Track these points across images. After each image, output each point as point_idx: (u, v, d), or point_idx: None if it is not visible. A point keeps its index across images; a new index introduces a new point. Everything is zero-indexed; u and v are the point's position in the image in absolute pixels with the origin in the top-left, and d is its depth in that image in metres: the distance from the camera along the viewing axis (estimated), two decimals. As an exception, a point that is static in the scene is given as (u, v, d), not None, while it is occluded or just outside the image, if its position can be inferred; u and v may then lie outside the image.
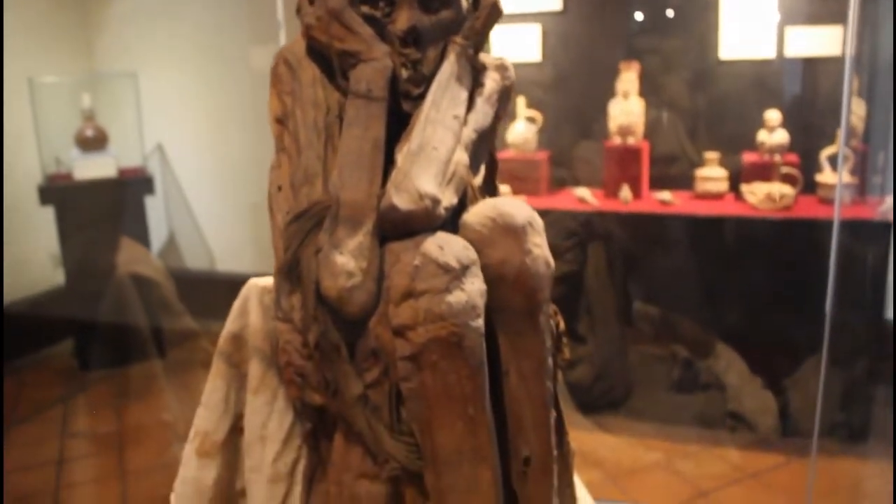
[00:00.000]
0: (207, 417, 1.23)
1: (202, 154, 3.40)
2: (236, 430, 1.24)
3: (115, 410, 3.11)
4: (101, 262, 3.07)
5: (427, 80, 1.05)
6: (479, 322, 0.91)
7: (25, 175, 3.18)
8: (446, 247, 0.92)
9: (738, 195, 2.78)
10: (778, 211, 2.67)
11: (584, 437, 1.76)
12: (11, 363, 3.30)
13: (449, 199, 0.97)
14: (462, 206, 1.03)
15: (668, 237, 2.44)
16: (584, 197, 2.79)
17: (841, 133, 2.20)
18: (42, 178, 3.17)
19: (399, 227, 0.94)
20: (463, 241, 0.95)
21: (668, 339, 2.04)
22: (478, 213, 0.99)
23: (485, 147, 1.15)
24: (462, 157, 1.02)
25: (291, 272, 1.00)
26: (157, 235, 3.46)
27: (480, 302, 0.92)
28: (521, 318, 0.98)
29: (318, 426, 1.07)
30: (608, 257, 2.16)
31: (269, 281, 1.16)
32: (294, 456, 1.19)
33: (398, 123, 1.04)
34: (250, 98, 3.16)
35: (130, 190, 3.16)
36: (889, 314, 2.50)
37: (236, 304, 1.22)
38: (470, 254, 0.94)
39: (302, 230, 0.99)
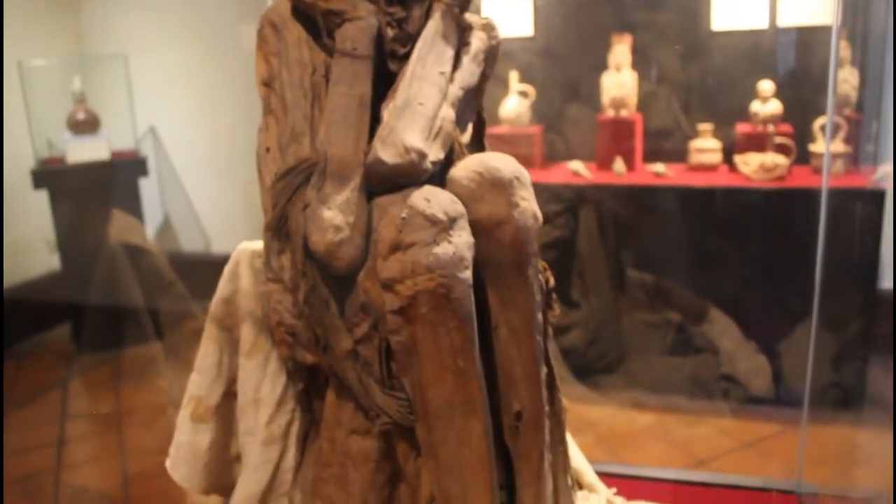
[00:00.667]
0: (200, 382, 1.23)
1: (195, 135, 3.40)
2: (230, 394, 1.24)
3: (115, 392, 3.12)
4: (97, 244, 3.07)
5: (412, 40, 1.05)
6: (467, 274, 0.91)
7: (18, 159, 3.17)
8: (433, 199, 0.92)
9: (732, 166, 2.78)
10: (772, 181, 2.67)
11: (578, 401, 1.77)
12: (9, 349, 3.31)
13: (435, 153, 0.97)
14: (449, 162, 1.03)
15: (661, 208, 2.44)
16: (578, 170, 2.79)
17: (829, 102, 2.20)
18: (35, 163, 3.17)
19: (385, 181, 0.94)
20: (450, 194, 0.95)
21: (662, 305, 2.04)
22: (465, 167, 0.99)
23: (472, 106, 1.15)
24: (448, 112, 1.01)
25: (279, 229, 1.00)
26: (153, 218, 3.46)
27: (468, 254, 0.92)
28: (510, 272, 0.98)
29: (310, 386, 1.08)
30: (599, 222, 2.16)
31: (259, 245, 1.16)
32: (288, 418, 1.20)
33: (385, 83, 1.04)
34: (242, 77, 3.15)
35: (124, 172, 3.15)
36: (882, 282, 2.51)
37: (227, 269, 1.23)
38: (457, 207, 0.94)
39: (289, 187, 0.99)
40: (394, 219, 0.91)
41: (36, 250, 3.37)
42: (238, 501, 1.21)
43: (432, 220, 0.90)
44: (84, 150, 3.13)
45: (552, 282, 1.09)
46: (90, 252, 3.12)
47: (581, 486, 1.36)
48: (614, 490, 1.37)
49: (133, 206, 3.19)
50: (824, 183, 2.08)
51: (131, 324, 3.20)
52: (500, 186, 0.97)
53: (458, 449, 0.93)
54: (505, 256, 0.98)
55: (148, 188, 3.33)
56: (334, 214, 0.94)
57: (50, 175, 3.11)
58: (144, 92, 3.35)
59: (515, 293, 0.99)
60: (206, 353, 1.23)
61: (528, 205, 0.99)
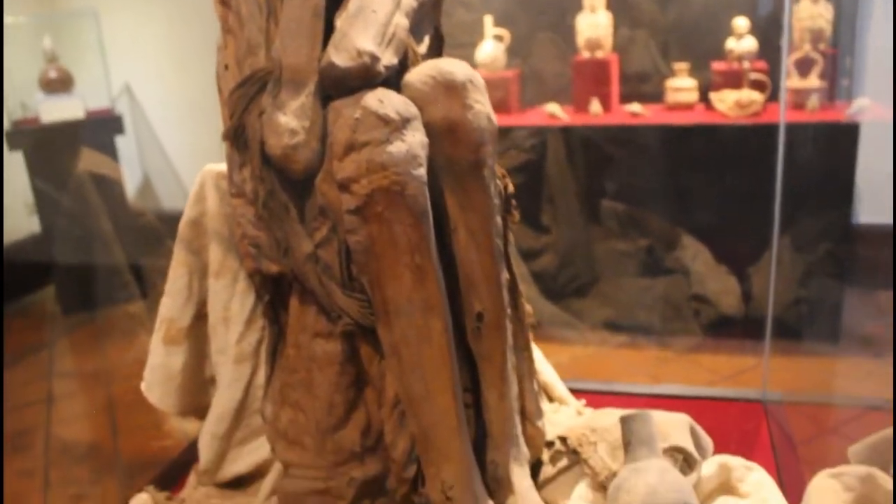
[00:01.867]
0: (171, 305, 1.25)
1: (171, 92, 3.36)
2: (201, 316, 1.26)
3: (101, 350, 3.14)
4: (75, 204, 3.05)
5: None
6: (421, 172, 0.93)
7: (-11, 121, 3.13)
8: (386, 100, 0.93)
9: (709, 105, 2.78)
10: (747, 117, 2.68)
11: (549, 322, 1.80)
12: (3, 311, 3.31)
13: (388, 58, 0.97)
14: (405, 69, 1.03)
15: (636, 145, 2.45)
16: (555, 112, 2.79)
17: (784, 40, 2.20)
18: (8, 124, 3.13)
19: (339, 85, 0.95)
20: (403, 97, 0.96)
21: (635, 234, 2.07)
22: (419, 72, 1.00)
23: (430, 20, 1.15)
24: (402, 20, 1.02)
25: (238, 137, 1.00)
26: (132, 178, 3.44)
27: (422, 153, 0.93)
28: (467, 174, 0.99)
29: (276, 298, 1.09)
30: (568, 147, 2.17)
31: (224, 167, 1.17)
32: (257, 336, 1.22)
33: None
34: (216, 32, 3.11)
35: (100, 131, 3.12)
36: (859, 217, 2.54)
37: (193, 191, 1.24)
38: (410, 108, 0.95)
39: (246, 96, 1.00)
40: (348, 120, 0.92)
41: (15, 213, 3.35)
42: (212, 419, 1.24)
43: (385, 120, 0.91)
44: (58, 110, 3.09)
45: (511, 188, 1.11)
46: (69, 213, 3.10)
47: (551, 399, 1.39)
48: (583, 402, 1.41)
49: (118, 194, 3.16)
50: (781, 116, 2.10)
51: (115, 283, 3.20)
52: (453, 89, 0.98)
53: (419, 347, 0.95)
54: (461, 158, 0.99)
55: (125, 148, 3.31)
56: (290, 119, 0.95)
57: (24, 135, 3.08)
58: (117, 50, 3.30)
59: (472, 195, 1.00)
60: (176, 276, 1.25)
61: (482, 107, 1.00)
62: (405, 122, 0.93)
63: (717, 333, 1.90)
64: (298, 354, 1.03)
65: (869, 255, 2.33)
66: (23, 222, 3.38)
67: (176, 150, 3.42)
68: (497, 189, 1.05)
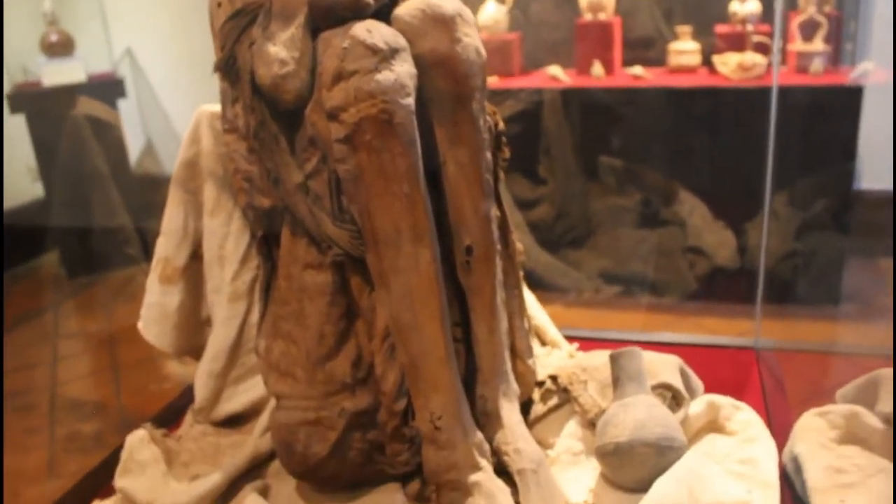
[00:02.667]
0: (167, 244, 1.27)
1: (172, 57, 3.36)
2: (196, 257, 1.28)
3: (106, 312, 3.17)
4: (72, 146, 3.04)
5: None
6: (409, 101, 0.93)
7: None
8: (374, 30, 0.93)
9: (712, 68, 2.76)
10: (750, 80, 2.66)
11: (544, 271, 1.81)
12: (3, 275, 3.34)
13: None
14: (395, 4, 1.04)
15: (638, 107, 2.44)
16: (557, 75, 2.77)
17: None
18: (10, 88, 3.14)
19: (328, 16, 0.95)
20: (392, 28, 0.96)
21: (633, 189, 2.06)
22: (408, 6, 1.00)
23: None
24: (391, -46, 1.01)
25: (229, 69, 1.01)
26: (135, 143, 3.45)
27: (410, 83, 0.94)
28: (455, 107, 1.00)
29: (269, 234, 1.10)
30: (565, 100, 2.17)
31: (218, 108, 1.17)
32: (252, 275, 1.23)
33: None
34: (217, -5, 3.09)
35: (102, 94, 3.12)
36: (861, 182, 2.53)
37: (188, 132, 1.25)
38: (399, 39, 0.95)
39: (237, 27, 1.00)
40: (336, 49, 0.92)
41: (19, 177, 3.37)
42: (207, 357, 1.26)
43: (373, 49, 0.92)
44: (59, 73, 3.10)
45: (501, 125, 1.11)
46: (73, 177, 3.11)
47: (544, 343, 1.40)
48: (576, 346, 1.42)
49: (115, 138, 3.17)
50: (774, 76, 2.10)
51: (119, 247, 3.22)
52: (442, 22, 0.99)
53: (407, 276, 0.96)
54: (449, 91, 0.99)
55: (127, 111, 3.31)
56: (279, 49, 0.95)
57: (26, 99, 3.09)
58: (118, 14, 3.30)
59: (461, 128, 1.01)
60: (172, 215, 1.26)
61: (471, 40, 1.00)
62: (393, 52, 0.93)
63: (711, 285, 1.91)
64: (290, 286, 1.05)
65: (872, 221, 2.33)
66: (26, 187, 3.39)
67: (178, 114, 3.42)
68: (487, 125, 1.06)
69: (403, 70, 0.93)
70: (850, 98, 2.61)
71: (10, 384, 2.76)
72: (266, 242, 1.10)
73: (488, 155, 1.05)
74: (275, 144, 0.99)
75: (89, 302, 3.23)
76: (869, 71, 2.65)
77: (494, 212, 1.08)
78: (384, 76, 0.91)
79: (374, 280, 0.99)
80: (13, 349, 2.99)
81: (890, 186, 2.49)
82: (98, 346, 2.94)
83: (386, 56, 0.92)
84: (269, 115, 0.98)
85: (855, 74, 2.70)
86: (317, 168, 0.98)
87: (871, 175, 2.60)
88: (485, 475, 0.99)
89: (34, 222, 3.37)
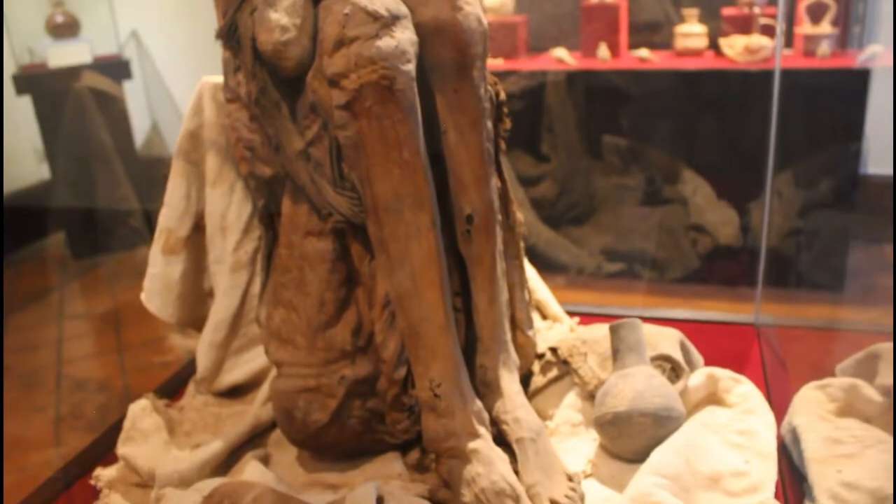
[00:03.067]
0: (170, 215, 1.27)
1: (178, 39, 3.36)
2: (199, 228, 1.28)
3: (111, 293, 3.19)
4: (85, 150, 3.07)
5: None
6: (410, 67, 0.93)
7: (-2, 69, 3.14)
8: (376, -3, 0.93)
9: (718, 51, 2.75)
10: (756, 63, 2.64)
11: (547, 247, 1.81)
12: (4, 258, 3.36)
13: None
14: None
15: (644, 89, 2.44)
16: (562, 57, 2.76)
17: None
18: (16, 69, 3.15)
19: (330, -18, 0.95)
20: (394, -4, 0.96)
21: (637, 169, 2.06)
22: (410, -27, 1.00)
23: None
24: (395, -79, 1.01)
25: (230, 37, 1.01)
26: (141, 125, 3.45)
27: (411, 49, 0.94)
28: (456, 74, 1.00)
29: (270, 203, 1.11)
30: (569, 79, 2.16)
31: (221, 79, 1.18)
32: (254, 245, 1.24)
33: None
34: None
35: (108, 75, 3.13)
36: (867, 167, 2.52)
37: (191, 103, 1.25)
38: (400, 7, 0.95)
39: (238, -5, 1.00)
40: (337, 16, 0.92)
41: (25, 158, 3.38)
42: (210, 327, 1.27)
43: (374, 16, 0.92)
44: (65, 55, 3.10)
45: (503, 95, 1.11)
46: (79, 158, 3.12)
47: (545, 317, 1.41)
48: (577, 320, 1.42)
49: (119, 111, 3.18)
50: (777, 58, 2.09)
51: (123, 220, 3.23)
52: (444, -10, 0.98)
53: (407, 243, 0.96)
54: (450, 59, 0.99)
55: (133, 93, 3.31)
56: (281, 16, 0.95)
57: (32, 80, 3.10)
58: (124, -4, 3.30)
59: (462, 96, 1.01)
60: (175, 186, 1.27)
61: (472, 9, 1.00)
62: (394, 19, 0.93)
63: (714, 263, 1.91)
64: (290, 254, 1.05)
65: (879, 205, 2.32)
66: (32, 168, 3.41)
67: (184, 95, 3.42)
68: (488, 94, 1.06)
69: (404, 37, 0.93)
70: (858, 81, 2.59)
71: (18, 364, 2.78)
72: (268, 212, 1.10)
73: (489, 124, 1.05)
74: (276, 111, 0.99)
75: (95, 283, 3.25)
76: (877, 54, 2.63)
77: (495, 182, 1.08)
78: (385, 42, 0.91)
79: (375, 247, 0.99)
80: (20, 330, 3.01)
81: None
82: (103, 327, 2.96)
83: (387, 23, 0.92)
84: (270, 82, 0.98)
85: (863, 58, 2.68)
86: (318, 135, 0.99)
87: (878, 159, 2.58)
88: (483, 443, 1.00)
89: (40, 204, 3.38)
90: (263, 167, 1.06)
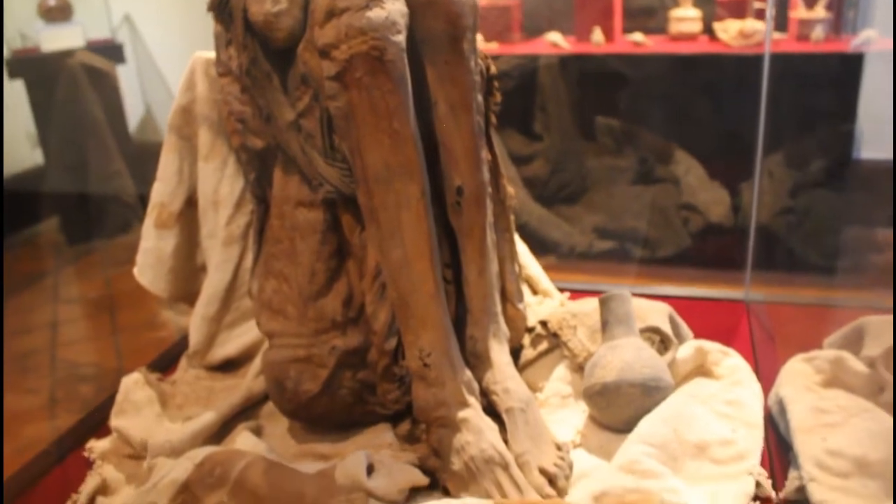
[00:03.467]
0: (163, 190, 1.28)
1: (172, 23, 3.35)
2: (192, 203, 1.29)
3: (105, 278, 3.18)
4: (78, 134, 3.07)
5: None
6: (400, 38, 0.94)
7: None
8: (366, -33, 0.93)
9: (713, 36, 2.75)
10: (750, 47, 2.65)
11: (539, 224, 1.82)
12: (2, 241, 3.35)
13: None
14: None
15: (638, 73, 2.44)
16: (556, 41, 2.76)
17: None
18: (8, 53, 3.14)
19: (320, -48, 0.95)
20: (384, -34, 0.96)
21: (630, 150, 2.07)
22: (401, -56, 1.00)
23: None
24: None
25: (222, 9, 1.01)
26: (134, 111, 3.44)
27: (401, 20, 0.94)
28: (446, 47, 1.00)
29: (262, 175, 1.11)
30: (562, 61, 2.17)
31: (213, 54, 1.18)
32: (246, 220, 1.24)
33: None
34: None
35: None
36: (860, 152, 2.53)
37: (184, 78, 1.25)
38: (391, -23, 0.95)
39: (229, -34, 1.00)
40: (328, -14, 0.93)
41: (18, 144, 3.37)
42: (202, 301, 1.27)
43: (365, -14, 0.92)
44: (58, 39, 3.09)
45: (493, 69, 1.12)
46: (72, 141, 3.11)
47: (535, 292, 1.41)
48: (567, 295, 1.43)
49: (114, 100, 3.17)
50: (767, 41, 2.10)
51: (118, 213, 3.23)
52: (435, -39, 0.99)
53: (397, 212, 0.97)
54: (440, 30, 1.00)
55: (127, 77, 3.31)
56: (272, -14, 0.96)
57: (25, 64, 3.09)
58: (117, -21, 3.28)
59: (452, 68, 1.01)
60: (167, 161, 1.27)
61: (463, -20, 1.00)
62: (385, -11, 0.93)
63: (705, 242, 1.92)
64: (282, 225, 1.06)
65: (872, 190, 2.33)
66: (26, 153, 3.40)
67: (177, 80, 3.42)
68: (478, 67, 1.06)
69: (395, 8, 0.93)
70: (851, 66, 2.60)
71: (13, 346, 2.78)
72: (259, 184, 1.11)
73: (479, 97, 1.05)
74: (267, 82, 1.00)
75: (89, 268, 3.25)
76: (871, 39, 2.64)
77: (486, 154, 1.08)
78: (375, 13, 0.91)
79: (365, 217, 1.00)
80: (15, 311, 3.01)
81: (890, 156, 2.49)
82: (98, 311, 2.96)
83: (377, -7, 0.92)
84: (261, 53, 0.99)
85: (856, 42, 2.69)
86: (309, 106, 0.99)
87: (872, 144, 2.59)
88: (473, 412, 1.01)
89: (34, 189, 3.38)
90: (255, 139, 1.06)
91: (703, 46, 2.73)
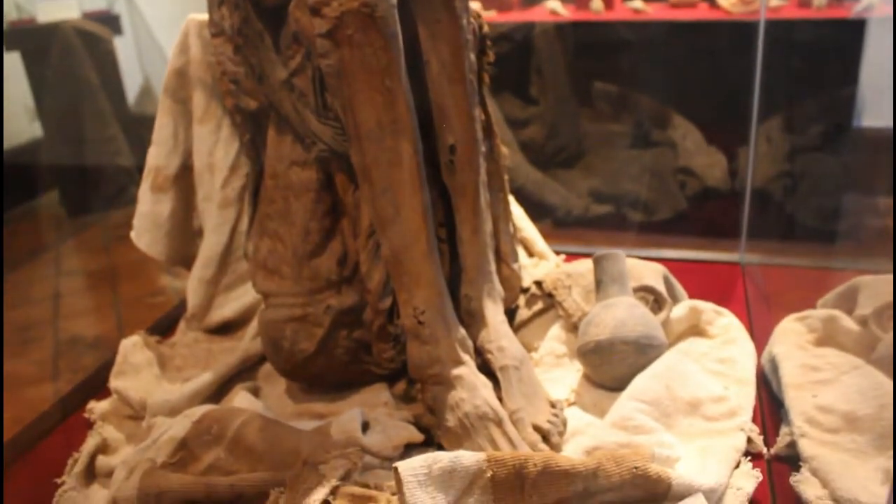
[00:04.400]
0: (158, 154, 1.28)
1: (168, -5, 3.33)
2: (187, 167, 1.29)
3: (106, 251, 3.19)
4: (76, 107, 3.06)
5: None
6: (391, -7, 0.93)
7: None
8: (356, -78, 0.92)
9: (712, 2, 2.73)
10: (750, 14, 2.63)
11: (534, 188, 1.82)
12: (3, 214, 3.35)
13: None
14: None
15: (637, 38, 2.43)
16: (555, 9, 2.74)
17: None
18: (5, 25, 3.12)
19: None
20: (375, -79, 0.95)
21: (627, 116, 2.07)
22: None
23: None
24: None
25: (211, -33, 1.01)
26: (132, 83, 3.43)
27: (392, -24, 0.94)
28: (438, 5, 1.00)
29: (256, 136, 1.11)
30: (558, 25, 2.16)
31: (206, 16, 1.17)
32: (242, 182, 1.25)
33: None
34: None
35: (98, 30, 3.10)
36: (862, 120, 2.52)
37: (178, 41, 1.25)
38: (382, -68, 0.94)
39: (218, -77, 0.99)
40: (319, -58, 0.92)
41: (16, 117, 3.36)
42: (199, 264, 1.28)
43: (355, -59, 0.91)
44: (54, 10, 3.07)
45: (486, 28, 1.11)
46: (70, 113, 3.11)
47: (531, 254, 1.42)
48: (563, 257, 1.44)
49: (110, 66, 3.15)
50: (762, 6, 2.10)
51: (116, 180, 3.23)
52: (426, -84, 0.98)
53: (389, 169, 0.97)
54: (432, -14, 0.99)
55: (124, 50, 3.29)
56: (262, -57, 0.95)
57: (21, 35, 3.07)
58: (112, -51, 3.25)
59: (444, 27, 1.01)
60: (162, 125, 1.27)
61: (455, -65, 0.99)
62: (375, -56, 0.92)
63: (701, 204, 1.92)
64: (276, 184, 1.06)
65: (873, 159, 2.33)
66: (24, 126, 3.39)
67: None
68: (471, 26, 1.06)
69: (385, -37, 0.92)
70: (853, 32, 2.58)
71: (15, 318, 2.80)
72: (253, 145, 1.11)
73: (472, 56, 1.05)
74: (259, 41, 0.99)
75: (90, 240, 3.26)
76: (872, 5, 2.61)
77: (479, 113, 1.08)
78: (365, -32, 0.90)
79: (358, 175, 1.00)
80: (16, 284, 3.02)
81: (891, 124, 2.48)
82: (99, 283, 2.97)
83: (368, -52, 0.91)
84: (253, 12, 0.98)
85: (858, 8, 2.66)
86: (301, 65, 0.99)
87: (873, 112, 2.58)
88: (467, 369, 1.02)
89: (33, 161, 3.38)
90: (248, 100, 1.06)
91: (703, 13, 2.71)
